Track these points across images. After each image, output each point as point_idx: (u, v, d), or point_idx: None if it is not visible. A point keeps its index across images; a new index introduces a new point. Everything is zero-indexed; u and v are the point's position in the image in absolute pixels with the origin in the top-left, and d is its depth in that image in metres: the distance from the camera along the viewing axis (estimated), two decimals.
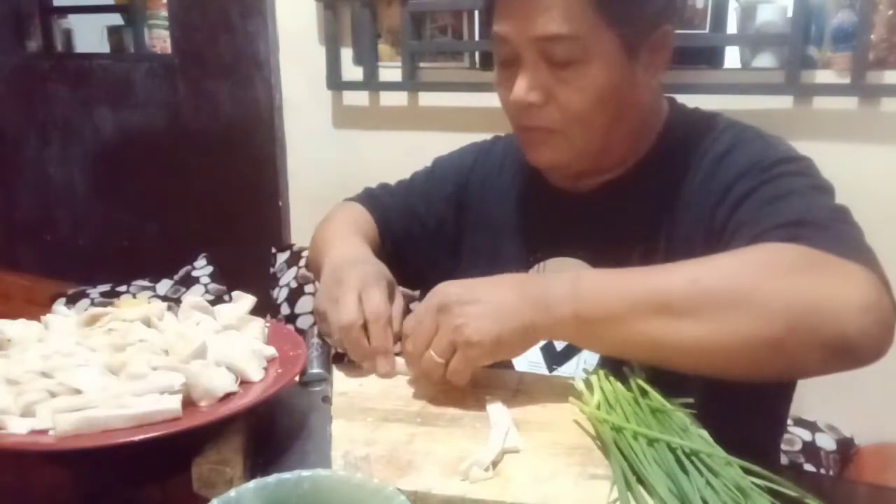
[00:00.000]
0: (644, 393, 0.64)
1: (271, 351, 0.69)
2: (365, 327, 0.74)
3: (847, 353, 0.60)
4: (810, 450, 1.46)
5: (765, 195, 0.75)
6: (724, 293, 0.62)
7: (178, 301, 0.76)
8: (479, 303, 0.67)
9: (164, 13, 2.26)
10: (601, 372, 0.68)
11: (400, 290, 0.82)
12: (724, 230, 0.77)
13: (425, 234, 1.02)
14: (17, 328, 0.70)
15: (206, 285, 2.08)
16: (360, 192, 1.12)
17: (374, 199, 1.07)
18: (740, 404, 0.70)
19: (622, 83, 0.79)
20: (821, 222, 0.69)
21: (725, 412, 0.61)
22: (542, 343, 0.87)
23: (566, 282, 0.67)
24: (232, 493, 0.45)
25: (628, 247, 0.83)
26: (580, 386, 0.68)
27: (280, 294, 1.91)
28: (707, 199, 0.80)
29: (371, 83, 1.93)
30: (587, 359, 0.86)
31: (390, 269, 0.84)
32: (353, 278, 0.77)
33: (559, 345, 0.88)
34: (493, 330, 0.66)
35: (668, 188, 0.84)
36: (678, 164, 0.84)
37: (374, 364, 0.75)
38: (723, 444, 0.57)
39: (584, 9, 0.75)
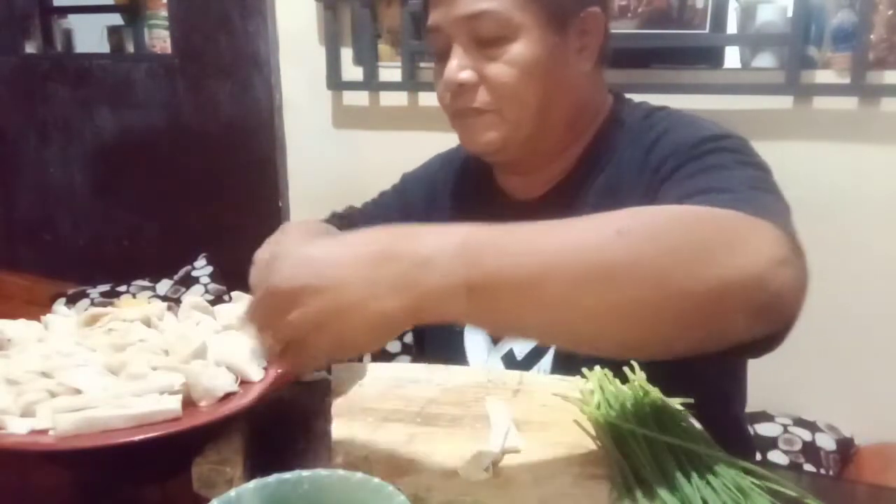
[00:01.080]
0: (644, 393, 0.64)
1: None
2: None
3: (769, 309, 0.55)
4: (810, 450, 1.46)
5: (687, 171, 0.74)
6: (656, 248, 0.53)
7: (178, 301, 0.76)
8: (326, 292, 0.51)
9: (164, 13, 2.26)
10: (601, 372, 0.68)
11: None
12: None
13: None
14: (17, 328, 0.70)
15: (206, 285, 2.08)
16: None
17: (340, 218, 1.05)
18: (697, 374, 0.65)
19: (551, 60, 0.81)
20: (736, 189, 0.67)
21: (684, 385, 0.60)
22: (503, 351, 0.87)
23: (452, 241, 0.52)
24: (232, 493, 0.45)
25: None
26: (580, 385, 0.68)
27: None
28: (636, 192, 0.80)
29: (371, 83, 1.93)
30: (545, 367, 0.83)
31: None
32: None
33: (519, 352, 0.85)
34: (341, 332, 0.52)
35: (601, 187, 0.84)
36: (624, 158, 0.84)
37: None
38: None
39: None
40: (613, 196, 0.83)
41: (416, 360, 1.43)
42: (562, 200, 0.87)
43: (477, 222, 0.80)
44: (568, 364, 0.73)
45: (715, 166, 0.73)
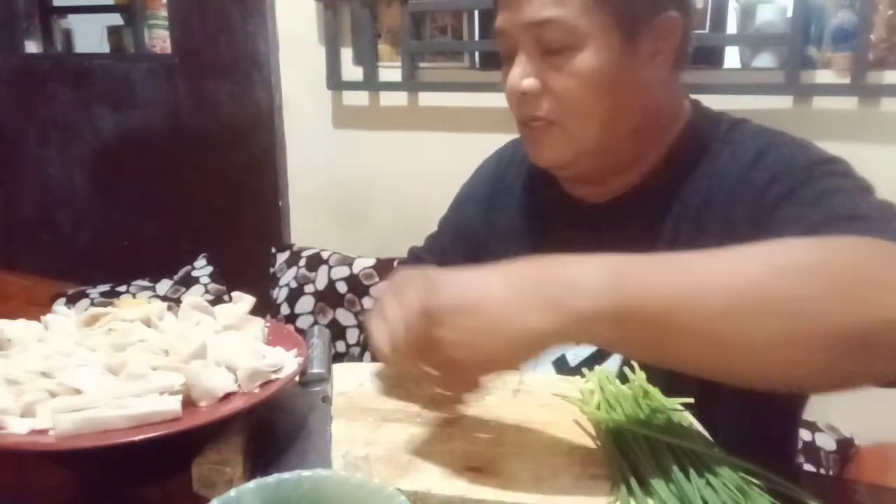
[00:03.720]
0: (644, 393, 0.64)
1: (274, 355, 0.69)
2: None
3: None
4: (810, 450, 1.46)
5: (808, 195, 0.71)
6: (813, 283, 0.51)
7: (178, 301, 0.76)
8: (476, 312, 0.53)
9: (164, 13, 2.26)
10: (601, 372, 0.68)
11: None
12: (761, 230, 0.72)
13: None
14: (17, 328, 0.70)
15: (205, 285, 2.08)
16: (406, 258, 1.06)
17: (420, 260, 1.02)
18: (748, 403, 0.66)
19: (619, 70, 0.77)
20: (875, 216, 0.65)
21: (731, 412, 0.59)
22: (555, 356, 0.83)
23: (601, 269, 0.53)
24: (232, 493, 0.45)
25: None
26: (580, 385, 0.68)
27: (280, 294, 1.91)
28: (735, 206, 0.76)
29: (371, 83, 1.93)
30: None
31: None
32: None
33: (573, 358, 0.83)
34: (489, 349, 0.53)
35: (689, 195, 0.80)
36: (700, 170, 0.81)
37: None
38: (731, 446, 0.55)
39: None
40: (705, 207, 0.79)
41: None
42: (637, 207, 0.83)
43: (546, 224, 0.83)
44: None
45: (838, 190, 0.70)
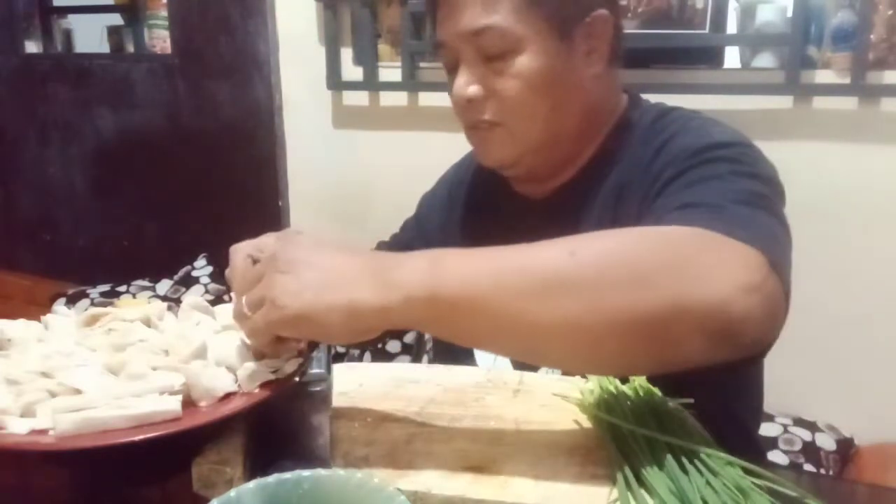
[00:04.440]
0: (644, 392, 0.64)
1: None
2: None
3: (730, 336, 0.55)
4: (810, 450, 1.46)
5: (684, 182, 0.73)
6: (603, 268, 0.55)
7: (178, 301, 0.76)
8: (311, 266, 0.56)
9: (164, 13, 2.26)
10: None
11: None
12: (641, 223, 0.74)
13: None
14: (17, 328, 0.70)
15: (206, 285, 2.08)
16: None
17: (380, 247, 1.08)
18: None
19: (558, 69, 0.80)
20: (719, 204, 0.66)
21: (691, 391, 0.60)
22: None
23: (424, 259, 0.57)
24: (232, 493, 0.45)
25: None
26: (580, 385, 0.68)
27: None
28: (641, 192, 0.80)
29: (371, 83, 1.93)
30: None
31: None
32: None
33: None
34: (305, 299, 0.55)
35: (609, 187, 0.84)
36: (633, 159, 0.84)
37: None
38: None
39: None
40: (620, 197, 0.83)
41: (415, 360, 1.43)
42: (573, 200, 0.87)
43: (492, 223, 0.86)
44: None
45: (708, 177, 0.72)
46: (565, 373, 0.71)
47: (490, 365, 0.88)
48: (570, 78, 0.82)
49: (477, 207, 0.98)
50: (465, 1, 0.79)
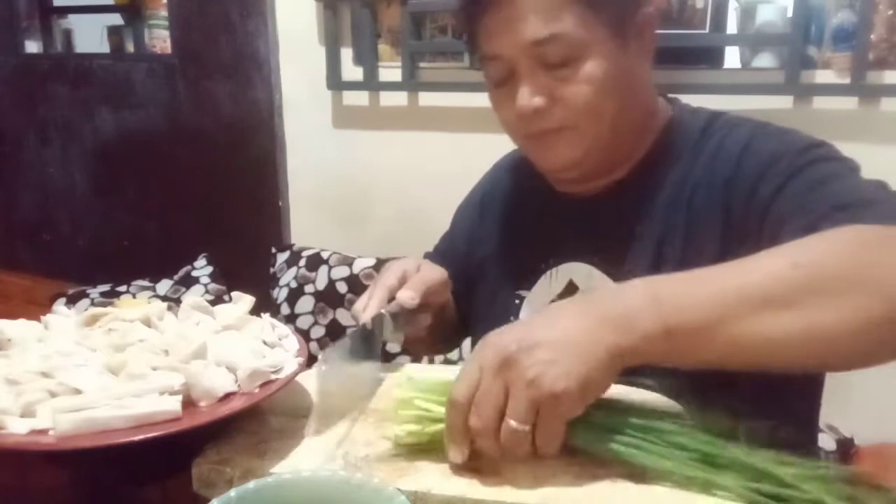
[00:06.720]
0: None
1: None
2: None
3: None
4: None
5: (803, 184, 0.73)
6: (831, 274, 0.57)
7: (178, 301, 0.76)
8: (547, 343, 0.56)
9: (164, 13, 2.26)
10: None
11: None
12: (760, 224, 0.75)
13: (466, 286, 1.00)
14: (17, 328, 0.70)
15: (206, 285, 2.08)
16: None
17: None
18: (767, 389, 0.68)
19: (620, 70, 0.80)
20: (873, 200, 0.68)
21: (751, 398, 0.60)
22: None
23: (638, 293, 0.59)
24: (232, 493, 0.46)
25: (640, 247, 0.82)
26: None
27: (280, 294, 1.91)
28: (727, 195, 0.79)
29: (371, 83, 1.93)
30: None
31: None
32: None
33: None
34: (578, 371, 0.55)
35: (678, 185, 0.83)
36: (686, 161, 0.83)
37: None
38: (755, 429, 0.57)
39: (565, 4, 0.76)
40: (692, 195, 0.82)
41: (415, 360, 1.43)
42: (629, 197, 0.86)
43: (535, 224, 0.91)
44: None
45: (832, 175, 0.73)
46: None
47: None
48: (630, 77, 0.82)
49: (516, 211, 0.97)
50: (524, 13, 0.77)
